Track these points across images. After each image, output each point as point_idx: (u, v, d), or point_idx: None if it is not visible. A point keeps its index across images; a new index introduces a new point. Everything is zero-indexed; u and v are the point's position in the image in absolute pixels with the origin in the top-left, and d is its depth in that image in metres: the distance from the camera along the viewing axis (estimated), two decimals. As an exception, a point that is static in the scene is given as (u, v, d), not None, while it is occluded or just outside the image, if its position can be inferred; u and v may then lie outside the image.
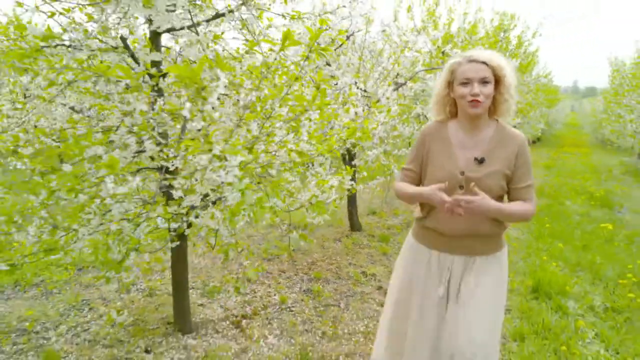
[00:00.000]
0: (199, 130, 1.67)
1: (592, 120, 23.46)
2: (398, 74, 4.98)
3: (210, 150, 1.47)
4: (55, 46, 2.31)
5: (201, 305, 3.15)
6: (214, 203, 2.20)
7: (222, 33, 2.15)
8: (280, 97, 1.79)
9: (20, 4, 2.31)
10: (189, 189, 2.09)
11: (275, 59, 1.73)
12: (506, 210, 1.67)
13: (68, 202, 2.19)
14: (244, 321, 2.94)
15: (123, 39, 2.38)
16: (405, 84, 4.98)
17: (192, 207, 2.24)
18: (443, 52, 5.75)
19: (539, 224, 5.69)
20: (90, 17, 2.20)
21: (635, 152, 15.60)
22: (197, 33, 2.08)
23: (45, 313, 3.05)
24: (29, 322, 2.93)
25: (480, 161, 1.69)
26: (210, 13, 2.22)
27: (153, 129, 2.18)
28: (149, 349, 2.58)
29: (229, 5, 2.08)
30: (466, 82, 1.64)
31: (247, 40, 2.54)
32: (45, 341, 2.71)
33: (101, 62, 2.39)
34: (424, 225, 1.83)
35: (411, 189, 1.79)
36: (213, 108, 1.53)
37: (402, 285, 1.89)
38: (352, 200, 5.05)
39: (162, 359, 2.48)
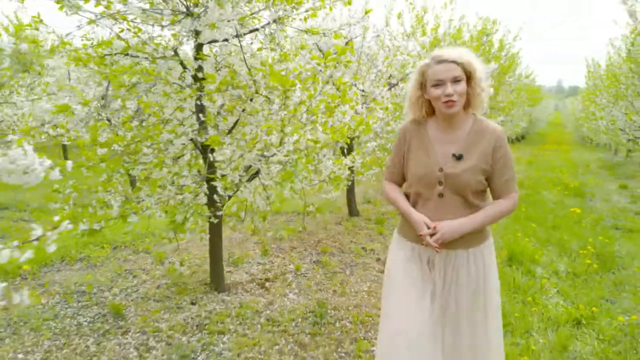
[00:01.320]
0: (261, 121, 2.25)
1: (573, 119, 24.37)
2: (391, 75, 5.60)
3: (284, 132, 2.05)
4: (115, 54, 2.88)
5: (229, 272, 3.72)
6: (252, 178, 2.78)
7: (261, 45, 2.73)
8: (315, 96, 2.38)
9: (93, 21, 2.85)
10: (234, 167, 2.68)
11: (317, 69, 2.31)
12: (480, 220, 1.69)
13: (138, 178, 2.75)
14: (267, 283, 3.53)
15: (174, 49, 2.94)
16: (397, 84, 5.61)
17: (235, 184, 2.82)
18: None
19: (517, 209, 6.35)
20: (151, 38, 2.76)
21: (612, 149, 16.47)
22: (240, 45, 2.65)
23: (97, 279, 3.60)
24: (84, 286, 3.47)
25: (458, 157, 1.70)
26: (248, 28, 2.79)
27: (200, 122, 2.76)
28: (193, 302, 3.15)
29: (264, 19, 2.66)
30: (438, 84, 1.65)
31: (271, 49, 3.12)
32: (103, 299, 3.26)
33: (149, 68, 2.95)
34: (406, 219, 1.83)
35: (402, 204, 1.81)
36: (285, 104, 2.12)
37: (392, 279, 1.86)
38: (350, 188, 5.65)
39: (205, 308, 3.05)
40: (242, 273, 3.72)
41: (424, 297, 1.73)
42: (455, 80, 1.64)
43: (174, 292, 3.32)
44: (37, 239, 1.28)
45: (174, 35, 2.90)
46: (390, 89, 5.40)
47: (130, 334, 2.73)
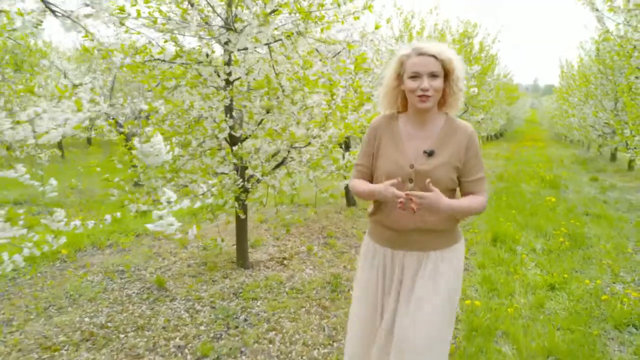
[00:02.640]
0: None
1: (549, 117, 25.38)
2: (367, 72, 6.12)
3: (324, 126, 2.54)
4: (154, 60, 3.32)
5: (250, 252, 4.19)
6: (278, 166, 3.25)
7: (289, 55, 3.20)
8: (338, 97, 2.87)
9: (138, 32, 3.28)
10: (266, 157, 3.15)
11: (348, 78, 2.80)
12: (458, 207, 1.64)
13: (190, 166, 3.18)
14: (285, 261, 4.01)
15: (207, 56, 3.39)
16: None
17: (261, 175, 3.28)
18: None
19: (498, 199, 6.96)
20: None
21: (584, 146, 17.39)
22: (270, 54, 3.12)
23: (131, 261, 4.02)
24: (121, 266, 3.89)
25: (430, 154, 1.65)
26: (274, 38, 3.26)
27: (232, 118, 3.22)
28: (225, 276, 3.61)
29: (290, 32, 3.13)
30: (415, 76, 1.60)
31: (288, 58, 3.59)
32: (142, 276, 3.69)
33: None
34: (375, 221, 1.80)
35: (364, 186, 1.74)
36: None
37: (363, 284, 1.83)
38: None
39: (236, 281, 3.52)
40: (261, 253, 4.19)
41: (375, 309, 1.77)
42: (433, 75, 1.59)
43: (205, 269, 3.78)
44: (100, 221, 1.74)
45: (207, 44, 3.36)
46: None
47: (177, 301, 3.18)
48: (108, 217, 2.12)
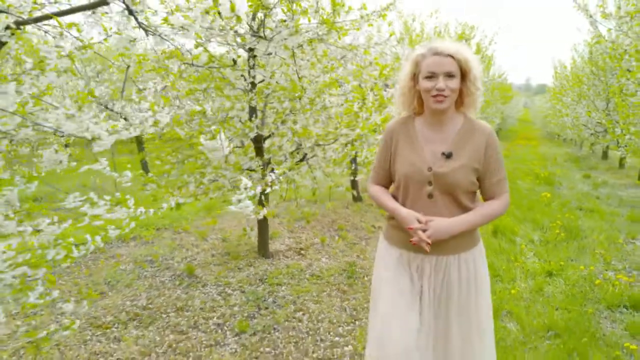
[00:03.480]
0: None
1: (542, 116, 25.83)
2: (386, 78, 6.42)
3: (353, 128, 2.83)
4: (186, 64, 3.59)
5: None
6: (300, 161, 3.53)
7: (314, 62, 3.48)
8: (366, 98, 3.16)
9: (172, 39, 3.53)
10: (291, 153, 3.43)
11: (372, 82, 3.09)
12: (473, 221, 1.62)
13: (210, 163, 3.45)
14: (302, 251, 4.30)
15: (234, 61, 3.67)
16: (388, 86, 6.44)
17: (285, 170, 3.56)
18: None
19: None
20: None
21: (577, 144, 17.81)
22: (294, 59, 3.40)
23: (158, 252, 4.29)
24: (150, 257, 4.16)
25: (448, 156, 1.62)
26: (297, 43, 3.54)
27: (256, 117, 3.51)
28: (249, 264, 3.89)
29: (315, 40, 3.41)
30: (431, 76, 1.58)
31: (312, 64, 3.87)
32: (170, 265, 3.96)
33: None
34: (393, 225, 1.76)
35: (388, 202, 1.73)
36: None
37: (378, 286, 1.80)
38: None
39: (260, 268, 3.80)
40: (279, 244, 4.47)
41: (412, 309, 1.66)
42: (449, 75, 1.57)
43: (229, 258, 4.06)
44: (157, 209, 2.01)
45: (234, 50, 3.63)
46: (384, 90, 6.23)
47: (208, 286, 3.46)
48: (165, 205, 2.39)
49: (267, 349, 2.61)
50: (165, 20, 2.84)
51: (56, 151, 1.73)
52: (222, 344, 2.66)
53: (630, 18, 4.20)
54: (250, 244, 4.41)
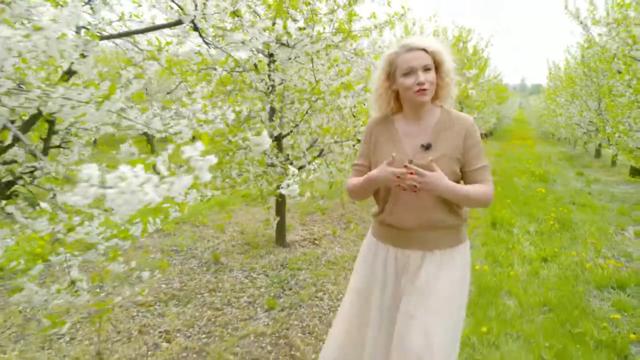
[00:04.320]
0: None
1: (537, 116, 26.28)
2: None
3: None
4: (207, 68, 3.92)
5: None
6: (317, 156, 3.87)
7: (331, 65, 3.82)
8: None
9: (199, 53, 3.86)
10: (309, 149, 3.76)
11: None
12: (462, 191, 1.59)
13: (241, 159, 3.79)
14: (316, 241, 4.63)
15: (255, 65, 4.00)
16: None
17: (300, 167, 3.90)
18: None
19: (494, 190, 7.65)
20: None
21: (571, 143, 18.24)
22: (312, 64, 3.73)
23: (182, 243, 4.61)
24: (175, 247, 4.48)
25: (427, 147, 1.64)
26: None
27: (278, 118, 3.84)
28: (268, 253, 4.22)
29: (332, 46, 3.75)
30: (409, 72, 1.58)
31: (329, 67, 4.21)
32: (195, 254, 4.29)
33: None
34: (379, 221, 1.77)
35: (361, 180, 1.70)
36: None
37: (361, 285, 1.81)
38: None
39: (279, 256, 4.13)
40: (294, 235, 4.81)
41: (371, 324, 1.75)
42: (426, 69, 1.58)
43: (249, 247, 4.39)
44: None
45: (254, 54, 3.96)
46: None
47: (234, 271, 3.79)
48: (209, 193, 2.71)
49: (295, 322, 2.94)
50: (214, 27, 3.19)
51: (130, 145, 2.05)
52: (254, 318, 2.99)
53: (617, 25, 4.56)
54: (267, 235, 4.74)
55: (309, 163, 3.54)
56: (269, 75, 3.90)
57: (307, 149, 3.76)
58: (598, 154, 13.91)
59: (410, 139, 1.69)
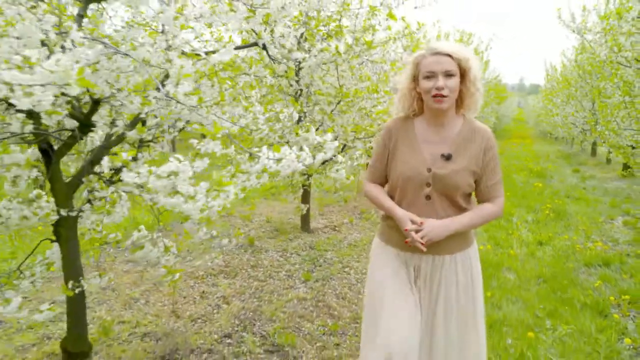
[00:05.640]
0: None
1: (535, 116, 26.84)
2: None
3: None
4: (242, 74, 4.46)
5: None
6: (341, 151, 4.42)
7: (353, 72, 4.36)
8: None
9: (238, 48, 4.40)
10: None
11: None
12: (467, 222, 1.62)
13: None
14: (336, 228, 5.18)
15: (286, 72, 4.54)
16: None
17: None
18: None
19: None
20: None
21: (568, 142, 18.80)
22: (337, 69, 4.27)
23: (216, 229, 5.15)
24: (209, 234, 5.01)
25: (447, 157, 1.62)
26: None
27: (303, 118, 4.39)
28: (296, 237, 4.77)
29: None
30: (430, 76, 1.57)
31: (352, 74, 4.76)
32: (223, 244, 4.82)
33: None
34: (390, 225, 1.75)
35: (385, 201, 1.72)
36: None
37: (374, 287, 1.79)
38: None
39: (306, 240, 4.68)
40: (315, 223, 5.36)
41: (416, 314, 1.67)
42: (448, 75, 1.56)
43: (278, 233, 4.94)
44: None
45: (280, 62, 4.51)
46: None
47: (269, 252, 4.33)
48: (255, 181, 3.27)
49: (329, 290, 3.49)
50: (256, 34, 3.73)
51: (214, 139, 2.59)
52: (294, 287, 3.54)
53: (605, 34, 5.11)
54: (292, 223, 5.29)
55: (334, 157, 4.07)
56: (297, 81, 4.45)
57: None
58: (594, 152, 14.47)
59: (429, 146, 1.67)
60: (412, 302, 1.69)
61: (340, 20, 3.90)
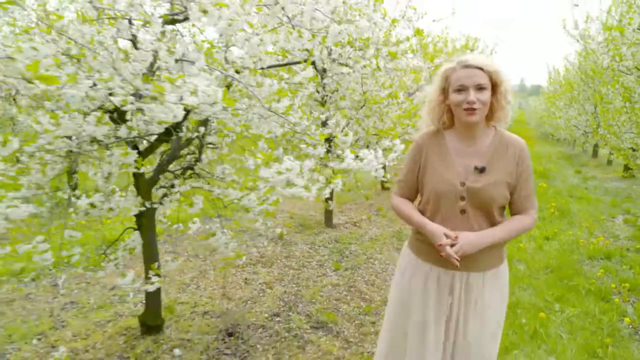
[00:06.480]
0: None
1: (537, 117, 27.21)
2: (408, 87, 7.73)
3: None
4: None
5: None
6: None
7: (377, 80, 4.74)
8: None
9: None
10: (358, 146, 4.70)
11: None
12: (500, 235, 1.60)
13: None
14: (356, 224, 5.57)
15: (313, 78, 4.92)
16: (414, 93, 7.73)
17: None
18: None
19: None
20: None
21: (570, 144, 19.18)
22: (361, 76, 4.65)
23: (244, 225, 5.54)
24: (239, 229, 5.40)
25: (481, 170, 1.61)
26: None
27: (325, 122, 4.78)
28: (320, 232, 5.15)
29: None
30: (461, 89, 1.57)
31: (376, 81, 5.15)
32: (260, 233, 5.21)
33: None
34: (421, 239, 1.73)
35: (415, 216, 1.70)
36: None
37: (401, 301, 1.80)
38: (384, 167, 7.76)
39: (330, 234, 5.06)
40: (336, 219, 5.74)
41: (438, 341, 1.71)
42: (479, 88, 1.55)
43: (303, 228, 5.32)
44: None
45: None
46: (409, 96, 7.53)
47: (298, 245, 4.72)
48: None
49: (358, 278, 3.87)
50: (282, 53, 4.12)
51: (265, 141, 2.97)
52: (327, 275, 3.92)
53: (607, 44, 5.49)
54: (314, 219, 5.68)
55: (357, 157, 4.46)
56: (324, 87, 4.83)
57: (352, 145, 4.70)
58: (595, 154, 14.85)
59: (462, 158, 1.66)
60: (434, 343, 1.71)
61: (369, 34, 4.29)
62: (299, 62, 2.87)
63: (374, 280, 3.84)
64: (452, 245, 1.54)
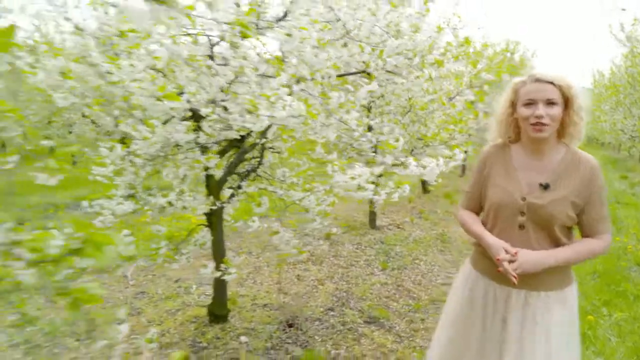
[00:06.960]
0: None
1: (579, 120, 26.41)
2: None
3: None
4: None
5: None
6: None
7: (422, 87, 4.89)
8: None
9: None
10: (403, 149, 4.86)
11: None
12: (564, 256, 1.52)
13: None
14: (399, 226, 5.71)
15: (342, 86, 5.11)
16: (455, 97, 7.79)
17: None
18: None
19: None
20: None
21: (615, 148, 18.61)
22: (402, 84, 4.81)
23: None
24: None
25: (545, 187, 1.54)
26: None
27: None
28: (365, 233, 5.33)
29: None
30: (530, 103, 1.52)
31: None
32: (308, 233, 5.43)
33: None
34: (481, 252, 1.70)
35: (476, 228, 1.68)
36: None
37: (461, 311, 1.77)
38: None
39: (375, 235, 5.23)
40: (379, 221, 5.91)
41: (490, 350, 1.66)
42: (550, 103, 1.51)
43: (349, 229, 5.51)
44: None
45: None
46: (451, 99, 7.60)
47: (345, 245, 4.91)
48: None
49: (405, 277, 4.03)
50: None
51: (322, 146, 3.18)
52: (374, 274, 4.10)
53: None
54: (358, 221, 5.86)
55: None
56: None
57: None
58: (642, 158, 14.39)
59: (527, 173, 1.62)
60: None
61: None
62: (356, 73, 3.07)
63: (421, 280, 3.98)
64: (511, 262, 1.49)
